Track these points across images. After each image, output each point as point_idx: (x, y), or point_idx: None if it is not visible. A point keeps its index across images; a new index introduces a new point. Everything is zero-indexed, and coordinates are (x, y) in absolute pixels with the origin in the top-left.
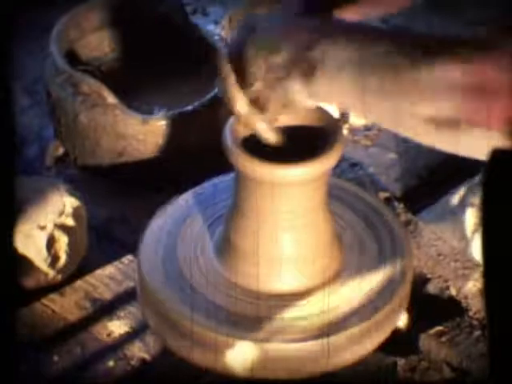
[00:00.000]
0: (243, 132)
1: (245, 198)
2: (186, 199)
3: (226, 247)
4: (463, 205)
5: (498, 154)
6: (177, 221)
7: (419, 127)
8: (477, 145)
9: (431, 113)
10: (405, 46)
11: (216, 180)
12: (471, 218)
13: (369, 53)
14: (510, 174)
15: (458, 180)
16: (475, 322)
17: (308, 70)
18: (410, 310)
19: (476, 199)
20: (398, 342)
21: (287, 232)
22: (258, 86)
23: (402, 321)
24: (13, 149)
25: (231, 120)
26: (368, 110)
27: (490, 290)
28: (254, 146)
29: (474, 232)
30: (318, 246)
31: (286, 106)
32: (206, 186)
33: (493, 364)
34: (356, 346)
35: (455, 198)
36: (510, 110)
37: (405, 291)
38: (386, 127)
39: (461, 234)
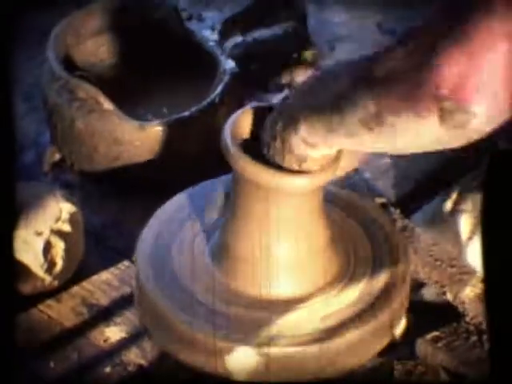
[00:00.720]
0: (243, 134)
1: (242, 202)
2: (181, 202)
3: (223, 252)
4: (455, 210)
5: (497, 156)
6: (173, 225)
7: (359, 133)
8: (412, 134)
9: (361, 115)
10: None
11: (210, 182)
12: (465, 225)
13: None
14: (509, 177)
15: (455, 184)
16: (472, 328)
17: (292, 123)
18: (406, 316)
19: (468, 205)
20: (394, 347)
21: (285, 237)
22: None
23: (400, 326)
24: (12, 155)
25: (230, 121)
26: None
27: (489, 295)
28: (254, 150)
29: (468, 239)
30: (315, 252)
31: (300, 161)
32: (201, 188)
33: (493, 369)
34: (355, 351)
35: (447, 203)
36: (436, 91)
37: (402, 296)
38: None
39: (454, 241)
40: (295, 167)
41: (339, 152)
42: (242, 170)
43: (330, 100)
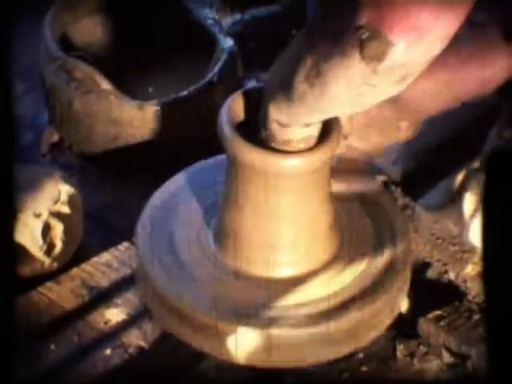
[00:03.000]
0: (239, 117)
1: (237, 186)
2: (180, 182)
3: (222, 233)
4: (461, 190)
5: (498, 143)
6: (173, 205)
7: (307, 92)
8: (344, 80)
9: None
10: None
11: (211, 160)
12: (469, 203)
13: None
14: (510, 160)
15: (455, 163)
16: (474, 306)
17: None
18: (408, 295)
19: (474, 184)
20: (396, 327)
21: (284, 219)
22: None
23: (404, 305)
24: (11, 137)
25: (226, 104)
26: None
27: (488, 274)
28: (249, 133)
29: (471, 217)
30: (316, 232)
31: (285, 144)
32: (201, 167)
33: (491, 347)
34: (357, 332)
35: (454, 184)
36: (355, 21)
37: (405, 275)
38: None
39: (457, 219)
40: (286, 149)
41: (331, 132)
42: (236, 152)
43: (284, 72)
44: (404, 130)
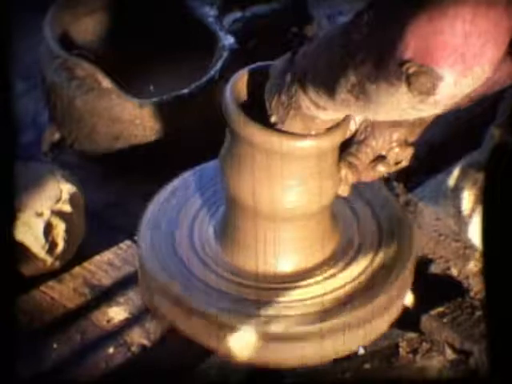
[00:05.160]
0: (243, 96)
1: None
2: (183, 181)
3: (225, 230)
4: (457, 187)
5: (499, 140)
6: (175, 204)
7: (351, 101)
8: (389, 103)
9: (348, 85)
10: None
11: (212, 162)
12: (466, 202)
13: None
14: (510, 158)
15: (457, 159)
16: (476, 303)
17: (302, 84)
18: (411, 291)
19: (470, 183)
20: (399, 323)
21: (286, 216)
22: (275, 114)
23: (409, 300)
24: (12, 135)
25: (230, 83)
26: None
27: (489, 271)
28: (253, 112)
29: (470, 215)
30: (317, 227)
31: (308, 124)
32: (204, 166)
33: (493, 344)
34: (359, 330)
35: (449, 180)
36: (401, 55)
37: (408, 272)
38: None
39: (456, 217)
40: (295, 125)
41: (346, 118)
42: (241, 130)
43: (326, 69)
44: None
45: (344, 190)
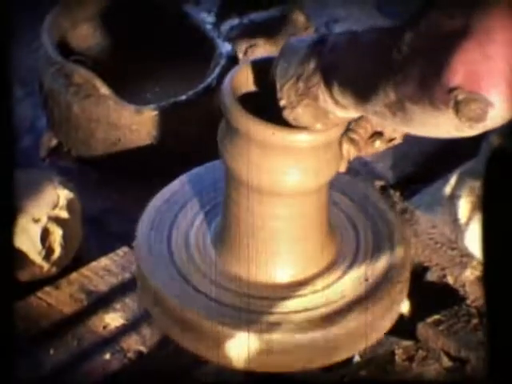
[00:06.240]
0: (242, 89)
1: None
2: (180, 186)
3: (222, 237)
4: (454, 195)
5: (498, 147)
6: (172, 210)
7: (388, 116)
8: (431, 124)
9: (385, 101)
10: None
11: (209, 165)
12: (463, 210)
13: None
14: (509, 161)
15: (454, 167)
16: (473, 310)
17: (327, 78)
18: (407, 299)
19: (467, 191)
20: (396, 331)
21: (283, 220)
22: (286, 98)
23: (405, 308)
24: (10, 141)
25: (229, 75)
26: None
27: (488, 278)
28: (253, 105)
29: (466, 223)
30: (314, 236)
31: (318, 116)
32: (201, 171)
33: (491, 352)
34: (357, 337)
35: (446, 188)
36: (449, 82)
37: (404, 280)
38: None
39: (452, 225)
40: (305, 115)
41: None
42: (238, 123)
43: (359, 76)
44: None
45: (343, 167)
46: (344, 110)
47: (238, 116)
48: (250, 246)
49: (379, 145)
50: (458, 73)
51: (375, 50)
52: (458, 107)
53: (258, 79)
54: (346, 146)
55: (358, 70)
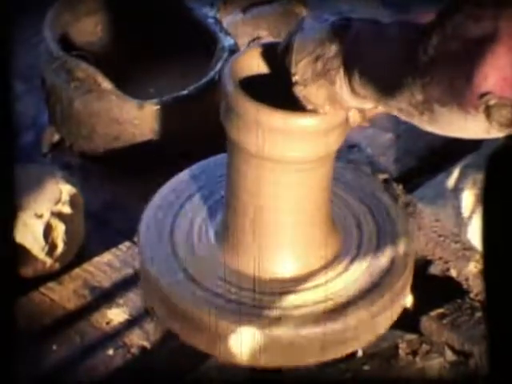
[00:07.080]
0: (244, 74)
1: (243, 175)
2: (182, 181)
3: (225, 233)
4: (457, 188)
5: (501, 142)
6: (174, 205)
7: (414, 114)
8: (459, 126)
9: (411, 101)
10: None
11: (212, 159)
12: (466, 204)
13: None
14: (510, 159)
15: (456, 160)
16: (476, 304)
17: (348, 66)
18: (411, 292)
19: (470, 184)
20: (399, 325)
21: (286, 215)
22: (300, 74)
23: (408, 301)
24: (12, 137)
25: (232, 60)
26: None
27: (489, 272)
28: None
29: (469, 217)
30: (316, 230)
31: (330, 100)
32: (203, 165)
33: (493, 345)
34: (360, 332)
35: (449, 181)
36: (480, 87)
37: (407, 275)
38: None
39: (455, 218)
40: (317, 94)
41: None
42: (240, 108)
43: (384, 72)
44: None
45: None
46: (360, 100)
47: (237, 98)
48: (252, 241)
49: (382, 109)
50: (489, 78)
51: (401, 46)
52: (489, 112)
53: (261, 64)
54: (351, 112)
55: (382, 64)
